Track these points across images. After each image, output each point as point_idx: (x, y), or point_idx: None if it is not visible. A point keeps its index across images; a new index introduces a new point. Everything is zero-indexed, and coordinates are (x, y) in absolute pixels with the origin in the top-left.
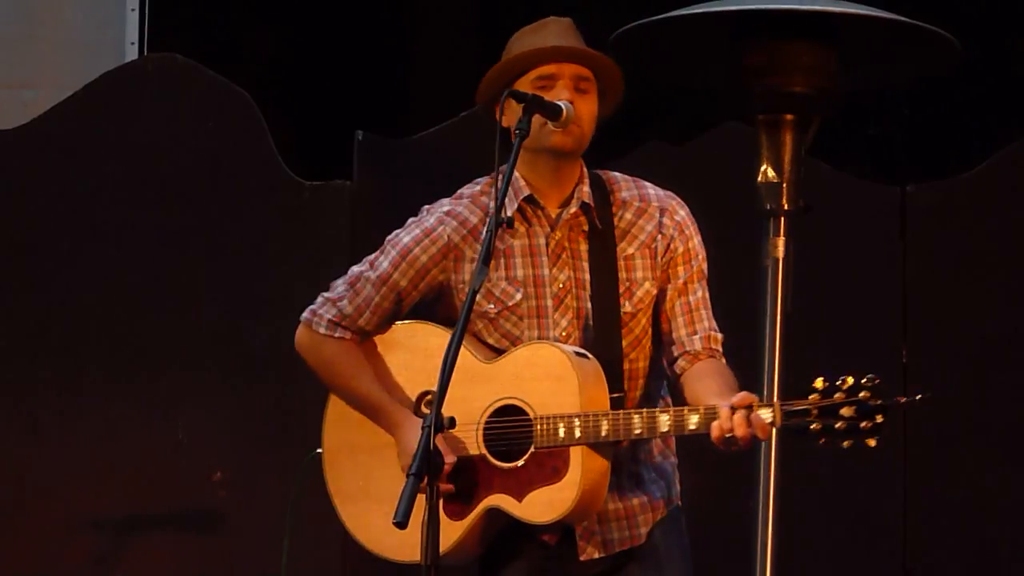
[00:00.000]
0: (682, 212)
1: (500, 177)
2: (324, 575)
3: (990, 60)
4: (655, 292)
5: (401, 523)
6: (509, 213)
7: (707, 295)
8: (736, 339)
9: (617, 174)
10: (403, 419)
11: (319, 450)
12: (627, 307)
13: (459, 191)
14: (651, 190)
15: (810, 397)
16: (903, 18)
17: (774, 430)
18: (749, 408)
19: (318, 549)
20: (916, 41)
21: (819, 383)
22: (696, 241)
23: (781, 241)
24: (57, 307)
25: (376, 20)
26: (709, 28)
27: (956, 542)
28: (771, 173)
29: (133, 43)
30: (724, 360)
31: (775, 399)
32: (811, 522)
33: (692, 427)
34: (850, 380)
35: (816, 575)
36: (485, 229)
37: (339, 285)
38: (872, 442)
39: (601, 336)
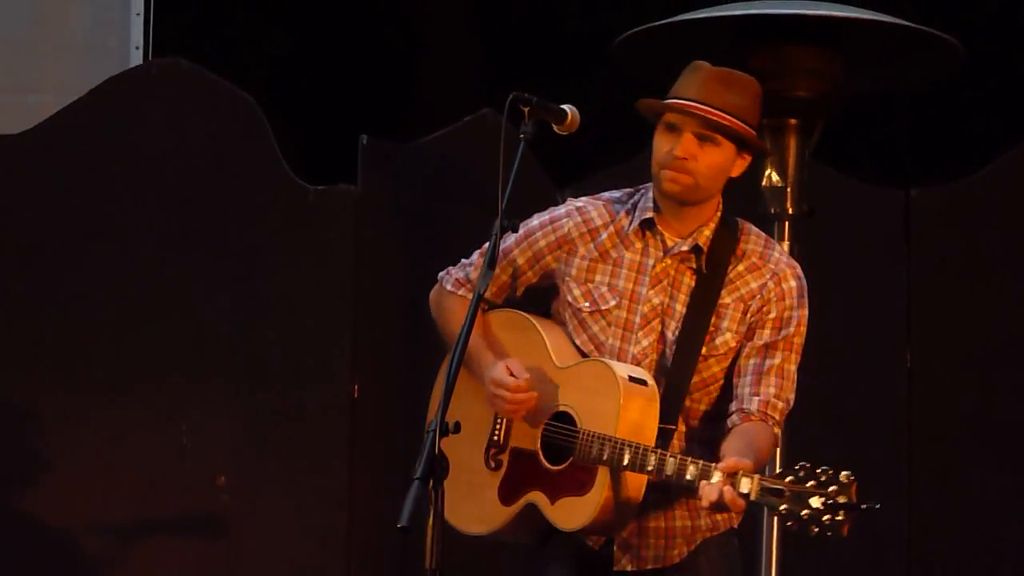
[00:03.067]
0: (792, 283)
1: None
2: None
3: (994, 64)
4: (734, 345)
5: (406, 527)
6: (628, 226)
7: (790, 367)
8: None
9: (754, 228)
10: (493, 361)
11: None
12: (704, 350)
13: (607, 194)
14: (776, 253)
15: (786, 480)
16: (907, 22)
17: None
18: (733, 475)
19: (322, 549)
20: (920, 45)
21: (799, 467)
22: (795, 314)
23: (785, 245)
24: (62, 311)
25: (380, 24)
26: (713, 33)
27: (961, 547)
28: (775, 177)
29: (138, 47)
30: (776, 428)
31: (755, 475)
32: None
33: (688, 478)
34: (828, 473)
35: None
36: (605, 235)
37: (474, 253)
38: (829, 534)
39: (675, 368)
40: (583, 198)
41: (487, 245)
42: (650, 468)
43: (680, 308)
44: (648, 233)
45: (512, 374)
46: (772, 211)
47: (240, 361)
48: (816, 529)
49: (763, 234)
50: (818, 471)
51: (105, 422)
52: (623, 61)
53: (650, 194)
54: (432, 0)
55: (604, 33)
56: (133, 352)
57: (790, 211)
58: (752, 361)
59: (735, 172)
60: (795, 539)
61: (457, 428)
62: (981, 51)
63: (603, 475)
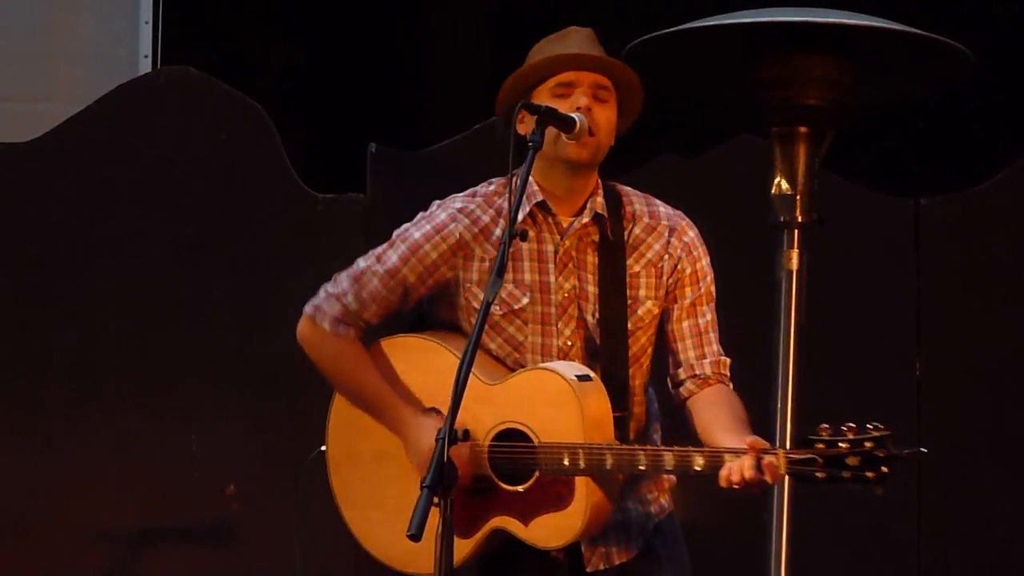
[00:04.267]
0: (691, 233)
1: (514, 187)
2: None
3: (1004, 73)
4: (657, 312)
5: (415, 536)
6: (520, 218)
7: (715, 318)
8: (750, 351)
9: (628, 188)
10: (410, 416)
11: (323, 448)
12: (629, 325)
13: (472, 189)
14: (661, 208)
15: (816, 446)
16: (917, 31)
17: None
18: (758, 455)
19: (332, 559)
20: (930, 54)
21: (824, 431)
22: (704, 263)
23: (795, 254)
24: (71, 319)
25: (389, 33)
26: (723, 40)
27: (971, 555)
28: (785, 185)
29: (147, 56)
30: (731, 386)
31: (780, 448)
32: (825, 536)
33: (697, 468)
34: (854, 428)
35: None
36: (498, 231)
37: (343, 280)
38: (879, 490)
39: (608, 352)
40: (458, 197)
41: (364, 270)
42: (642, 467)
43: (592, 288)
44: (540, 218)
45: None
46: (782, 219)
47: (249, 370)
48: (858, 484)
49: (636, 191)
50: (843, 428)
51: (115, 431)
52: (633, 69)
53: (531, 179)
54: (441, 9)
55: (613, 42)
56: (142, 361)
57: (800, 219)
58: (686, 323)
59: (614, 136)
60: (803, 545)
61: (466, 436)
62: (991, 60)
63: (582, 485)
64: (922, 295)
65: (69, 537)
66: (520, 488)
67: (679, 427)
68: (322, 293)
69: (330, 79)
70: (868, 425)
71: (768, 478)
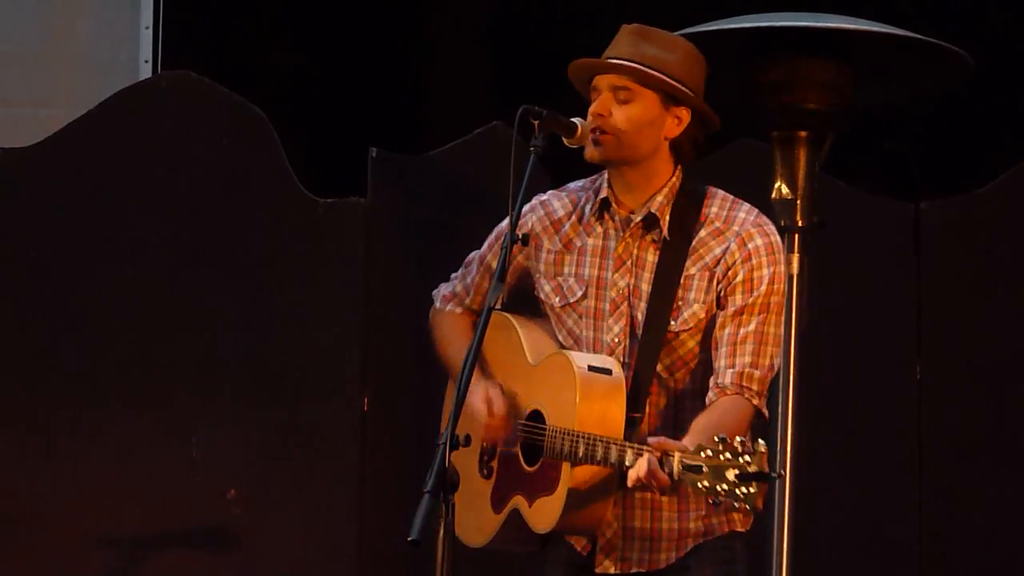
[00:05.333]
0: (759, 240)
1: (515, 195)
2: None
3: (1004, 76)
4: (703, 316)
5: (416, 541)
6: (587, 211)
7: (768, 328)
8: None
9: (720, 191)
10: (474, 384)
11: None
12: (673, 326)
13: (570, 183)
14: (743, 213)
15: (703, 454)
16: (917, 35)
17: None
18: (665, 454)
19: (333, 563)
20: (930, 58)
21: (717, 440)
22: (766, 272)
23: (795, 257)
24: (72, 325)
25: (390, 37)
26: (723, 45)
27: (972, 557)
28: (785, 189)
29: (147, 61)
30: (755, 399)
31: (679, 452)
32: (826, 538)
33: (628, 464)
34: (744, 444)
35: None
36: (568, 226)
37: (462, 267)
38: (756, 504)
39: (643, 351)
40: (550, 191)
41: (473, 254)
42: (599, 458)
43: (646, 287)
44: (607, 215)
45: (488, 404)
46: (782, 223)
47: (250, 374)
48: (736, 504)
49: (731, 196)
50: (735, 443)
51: (116, 436)
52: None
53: (606, 175)
54: (442, 13)
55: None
56: (143, 366)
57: (800, 223)
58: (727, 331)
59: (670, 131)
60: (804, 548)
61: (468, 441)
62: (991, 63)
63: (565, 471)
64: (922, 298)
65: (71, 542)
66: (532, 469)
67: None
68: (445, 283)
69: (331, 83)
70: (757, 444)
71: (645, 477)
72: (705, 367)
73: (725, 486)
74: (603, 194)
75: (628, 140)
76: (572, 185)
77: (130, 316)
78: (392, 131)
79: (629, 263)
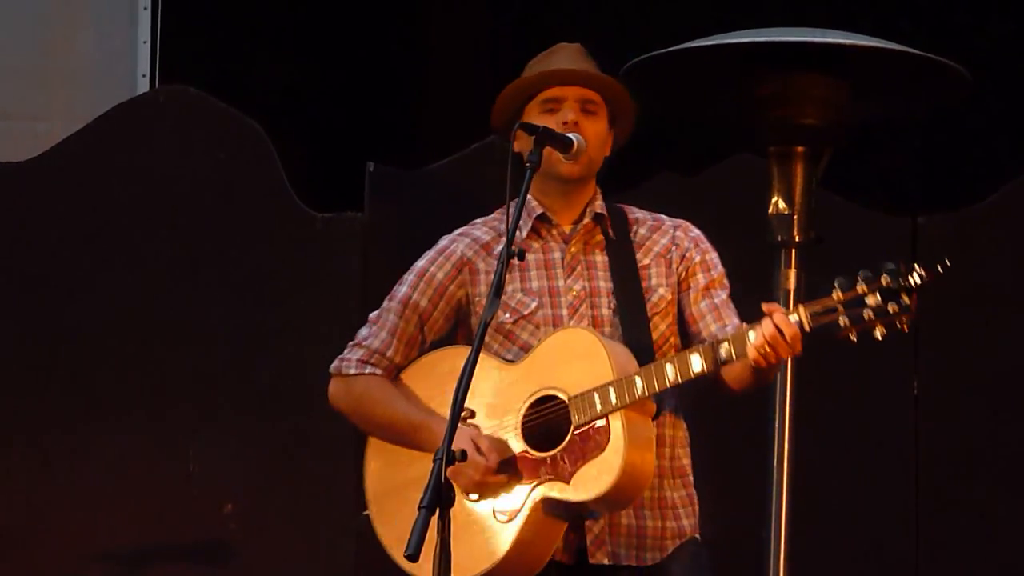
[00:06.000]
0: (696, 231)
1: (512, 208)
2: None
3: (1001, 91)
4: (670, 298)
5: (412, 555)
6: (523, 234)
7: (731, 301)
8: None
9: (633, 206)
10: (436, 426)
11: (365, 512)
12: (648, 308)
13: (474, 220)
14: (663, 215)
15: (833, 295)
16: (914, 50)
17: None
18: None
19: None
20: (927, 73)
21: (839, 281)
22: (713, 256)
23: (792, 273)
24: (68, 338)
25: (387, 51)
26: (720, 60)
27: (970, 571)
28: (782, 205)
29: (145, 75)
30: None
31: (798, 304)
32: (823, 553)
33: (724, 356)
34: (871, 269)
35: None
36: (498, 248)
37: (362, 330)
38: (905, 325)
39: (629, 331)
40: (460, 229)
41: (382, 312)
42: (671, 377)
43: (604, 284)
44: (543, 230)
45: (480, 450)
46: (779, 239)
47: (247, 388)
48: (884, 326)
49: (639, 208)
50: (859, 274)
51: (112, 449)
52: (630, 89)
53: (528, 197)
54: (439, 27)
55: (611, 61)
56: (140, 379)
57: (797, 239)
58: (704, 302)
59: (609, 149)
60: (801, 559)
61: (464, 456)
62: (988, 78)
63: (616, 423)
64: (920, 313)
65: (67, 556)
66: (555, 450)
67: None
68: (345, 349)
69: (328, 98)
70: (882, 267)
71: (787, 336)
72: (677, 349)
73: (869, 312)
74: (538, 211)
75: (595, 155)
76: (480, 220)
77: (127, 330)
78: (389, 145)
79: (580, 268)
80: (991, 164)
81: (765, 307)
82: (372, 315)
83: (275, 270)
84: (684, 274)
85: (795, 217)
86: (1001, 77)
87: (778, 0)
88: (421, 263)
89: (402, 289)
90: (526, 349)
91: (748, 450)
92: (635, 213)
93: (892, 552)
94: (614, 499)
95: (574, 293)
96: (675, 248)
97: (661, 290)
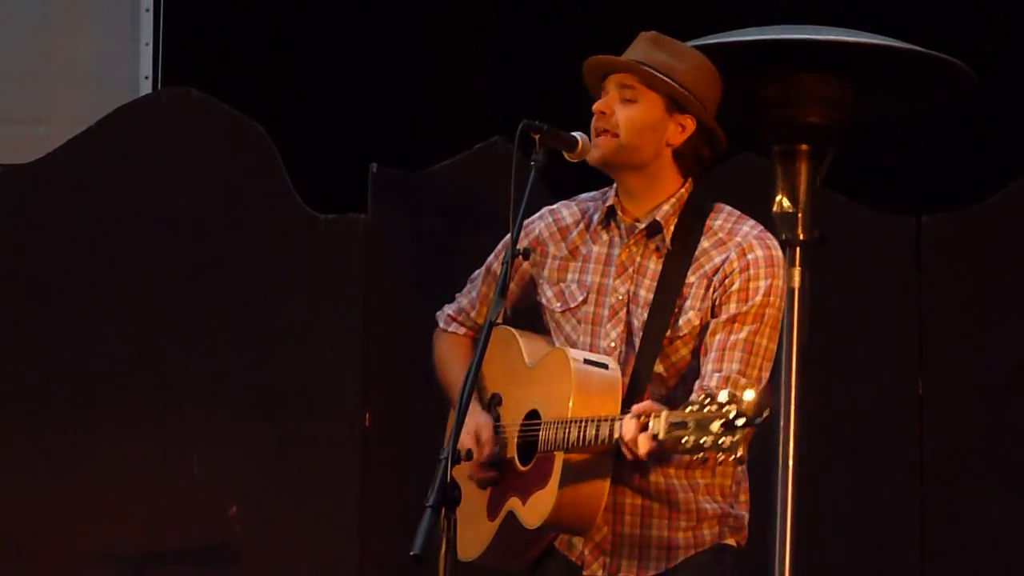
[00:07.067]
0: (759, 252)
1: (516, 210)
2: None
3: (1005, 91)
4: (697, 324)
5: (417, 556)
6: (595, 220)
7: (760, 340)
8: None
9: (727, 207)
10: (472, 404)
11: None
12: (669, 332)
13: (581, 194)
14: (746, 227)
15: (688, 410)
16: (919, 48)
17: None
18: (641, 417)
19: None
20: (931, 72)
21: (703, 396)
22: (763, 284)
23: (796, 272)
24: (72, 341)
25: (390, 54)
26: (724, 59)
27: (975, 573)
28: (786, 203)
29: (147, 77)
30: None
31: (662, 411)
32: (828, 555)
33: (616, 436)
34: (730, 395)
35: None
36: (575, 233)
37: (467, 284)
38: (739, 451)
39: (642, 354)
40: (561, 201)
41: (478, 272)
42: (589, 437)
43: (645, 294)
44: (612, 223)
45: (478, 440)
46: (783, 237)
47: (251, 390)
48: (720, 455)
49: (736, 211)
50: (719, 395)
51: (116, 452)
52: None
53: (615, 185)
54: (442, 30)
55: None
56: (144, 382)
57: (801, 238)
58: (717, 337)
59: (672, 138)
60: (806, 563)
61: (469, 455)
62: (993, 78)
63: (558, 460)
64: (924, 313)
65: (71, 559)
66: (526, 468)
67: None
68: (450, 302)
69: (331, 100)
70: (743, 394)
71: (630, 442)
72: (695, 375)
73: (709, 439)
74: (610, 202)
75: (629, 141)
76: (583, 196)
77: (130, 333)
78: (393, 147)
79: (631, 270)
80: (995, 163)
81: (635, 408)
82: (473, 273)
83: (278, 272)
84: (719, 300)
85: (799, 216)
86: (1005, 77)
87: None
88: (508, 236)
89: (489, 258)
90: (569, 341)
91: (752, 449)
92: (716, 221)
93: (897, 551)
94: (557, 529)
95: (617, 295)
96: (721, 270)
97: (691, 314)
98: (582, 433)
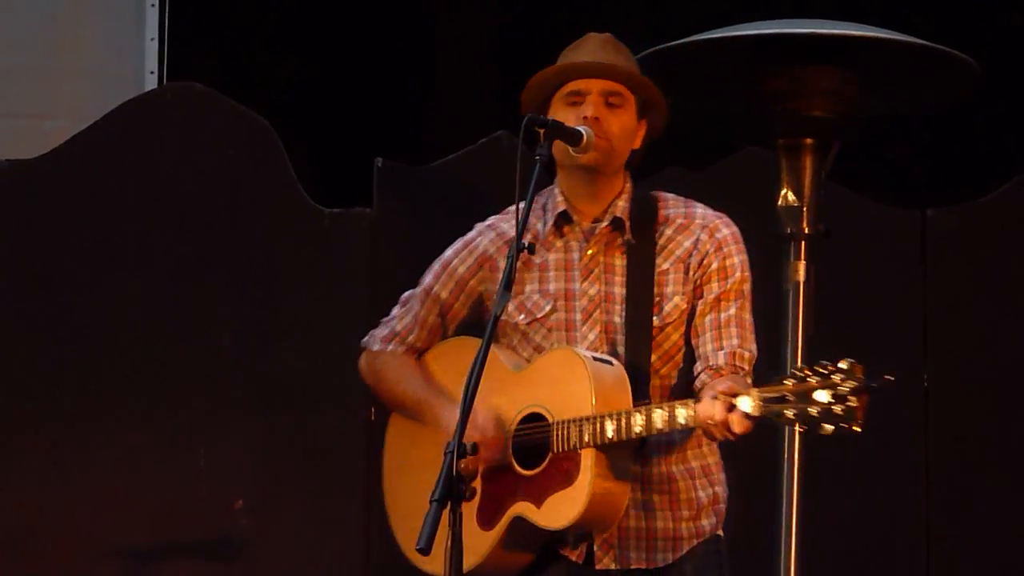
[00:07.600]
0: (725, 231)
1: (522, 203)
2: None
3: (1010, 84)
4: (685, 307)
5: (424, 549)
6: (544, 229)
7: (745, 315)
8: (757, 363)
9: (670, 194)
10: (444, 404)
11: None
12: (656, 321)
13: (507, 208)
14: (699, 209)
15: (785, 383)
16: (923, 42)
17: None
18: (732, 397)
19: (340, 573)
20: (936, 65)
21: (797, 369)
22: (736, 260)
23: (802, 265)
24: (77, 336)
25: (395, 48)
26: (729, 53)
27: (981, 567)
28: (791, 197)
29: (152, 72)
30: (749, 379)
31: (752, 388)
32: (833, 550)
33: (681, 421)
34: (828, 366)
35: None
36: (523, 243)
37: (395, 308)
38: (855, 426)
39: (632, 348)
40: (492, 217)
41: (409, 293)
42: (638, 429)
43: (619, 290)
44: (565, 228)
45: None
46: (788, 231)
47: (256, 384)
48: (830, 425)
49: (678, 196)
50: (817, 366)
51: (122, 446)
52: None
53: (556, 190)
54: (447, 24)
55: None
56: (149, 376)
57: (806, 231)
58: (708, 317)
59: (637, 141)
60: (810, 559)
61: (475, 449)
62: (997, 70)
63: (587, 457)
64: (929, 306)
65: (78, 553)
66: (535, 471)
67: None
68: (377, 326)
69: (336, 94)
70: (842, 363)
71: (734, 426)
72: (689, 360)
73: (816, 409)
74: (560, 208)
75: (619, 147)
76: (512, 208)
77: (136, 327)
78: (398, 141)
79: (597, 271)
80: (1000, 157)
81: (721, 388)
82: (405, 295)
83: (283, 266)
84: (700, 280)
85: (804, 209)
86: (1011, 69)
87: None
88: (448, 253)
89: (427, 278)
90: (539, 351)
91: (757, 444)
92: (668, 209)
93: (903, 546)
94: (581, 529)
95: (589, 297)
96: (695, 252)
97: (677, 299)
98: (623, 425)
